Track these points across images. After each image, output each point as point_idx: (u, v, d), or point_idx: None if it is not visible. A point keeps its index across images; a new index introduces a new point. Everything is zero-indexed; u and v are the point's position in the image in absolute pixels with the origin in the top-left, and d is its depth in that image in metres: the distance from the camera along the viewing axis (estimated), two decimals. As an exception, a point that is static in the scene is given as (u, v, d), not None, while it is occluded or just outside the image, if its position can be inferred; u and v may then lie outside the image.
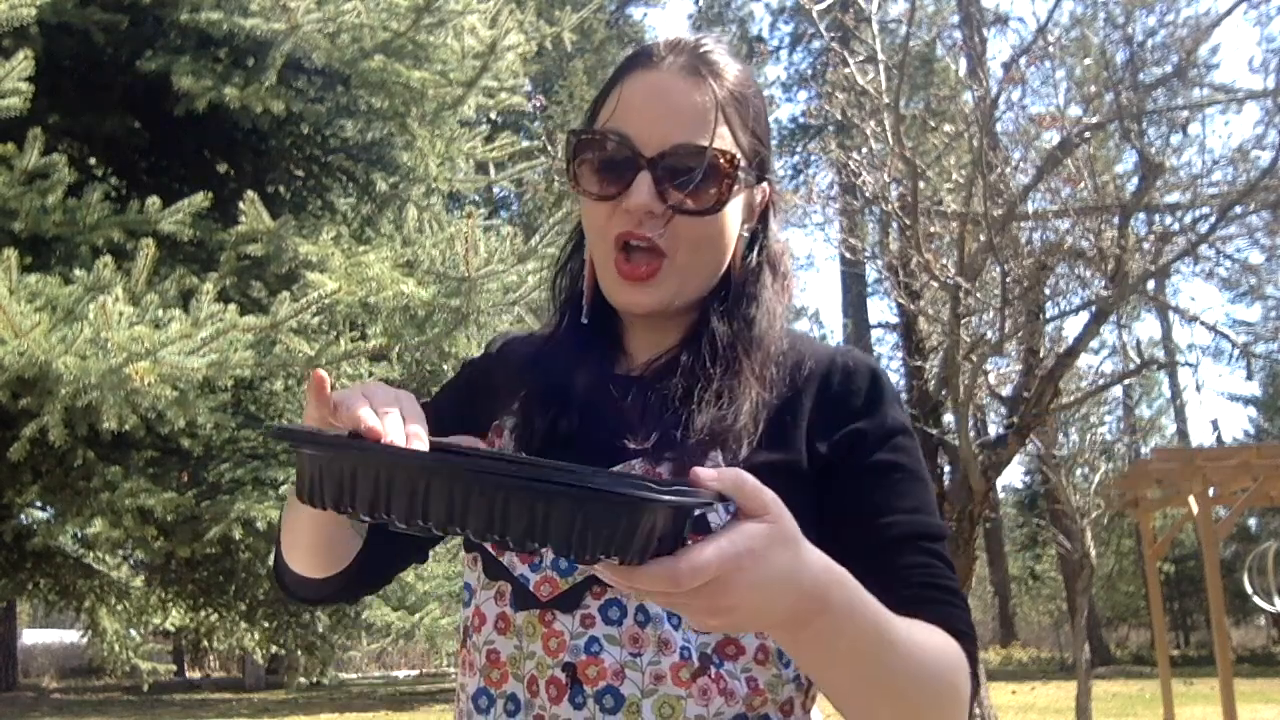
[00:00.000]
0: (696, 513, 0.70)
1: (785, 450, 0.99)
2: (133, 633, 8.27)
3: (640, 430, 0.99)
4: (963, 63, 9.29)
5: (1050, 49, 6.86)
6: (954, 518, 6.68)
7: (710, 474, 0.71)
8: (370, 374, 5.22)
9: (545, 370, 1.08)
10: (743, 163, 1.00)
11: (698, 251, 1.00)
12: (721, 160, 0.98)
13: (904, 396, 10.55)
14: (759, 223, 1.08)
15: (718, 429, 0.96)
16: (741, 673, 0.94)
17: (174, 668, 23.10)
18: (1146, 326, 23.33)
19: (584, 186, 1.02)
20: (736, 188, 1.00)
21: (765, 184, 1.07)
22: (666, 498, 0.65)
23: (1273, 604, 10.60)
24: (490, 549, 1.00)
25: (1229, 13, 7.09)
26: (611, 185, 0.99)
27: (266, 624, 7.18)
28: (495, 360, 1.17)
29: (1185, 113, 7.26)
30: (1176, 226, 6.97)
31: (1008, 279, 6.23)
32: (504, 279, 4.45)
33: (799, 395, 1.02)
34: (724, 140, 0.99)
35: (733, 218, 1.02)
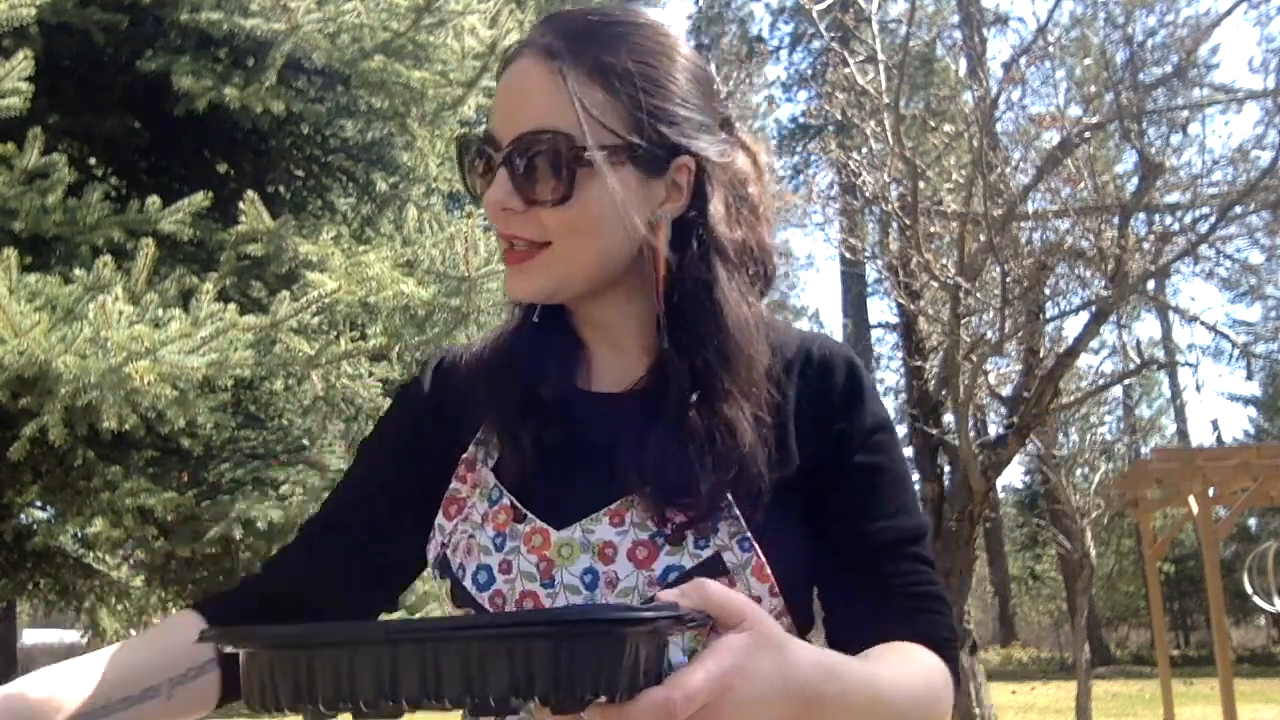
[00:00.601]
0: (695, 634, 0.67)
1: (786, 463, 0.93)
2: (133, 633, 8.28)
3: (640, 469, 0.91)
4: (963, 63, 9.29)
5: (1050, 49, 6.87)
6: (954, 518, 6.68)
7: (674, 593, 0.67)
8: (370, 373, 5.22)
9: (513, 380, 0.99)
10: (605, 140, 0.90)
11: (574, 239, 0.92)
12: (559, 145, 0.89)
13: (904, 396, 10.56)
14: (692, 202, 0.96)
15: (728, 474, 0.89)
16: None
17: (174, 668, 23.10)
18: (1146, 326, 23.36)
19: (471, 190, 0.98)
20: (582, 170, 0.90)
21: (686, 157, 0.95)
22: (652, 615, 0.61)
23: (1273, 604, 10.60)
24: (486, 605, 0.94)
25: (1229, 13, 7.09)
26: (484, 187, 0.94)
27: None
28: (440, 385, 1.06)
29: (1185, 113, 7.27)
30: (1176, 226, 6.98)
31: (1008, 279, 6.23)
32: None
33: (785, 397, 0.95)
34: (570, 122, 0.89)
35: (612, 202, 0.91)
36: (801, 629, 0.95)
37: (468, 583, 0.94)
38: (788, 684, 0.69)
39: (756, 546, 0.90)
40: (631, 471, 0.91)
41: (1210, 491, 8.60)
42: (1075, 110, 7.05)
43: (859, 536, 0.93)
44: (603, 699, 0.61)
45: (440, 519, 1.00)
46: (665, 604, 0.64)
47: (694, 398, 0.91)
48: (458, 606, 0.95)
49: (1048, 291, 6.96)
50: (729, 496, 0.90)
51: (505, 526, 0.95)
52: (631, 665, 0.61)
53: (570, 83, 0.90)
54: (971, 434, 6.81)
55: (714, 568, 0.89)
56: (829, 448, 0.95)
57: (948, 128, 7.84)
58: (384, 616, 1.07)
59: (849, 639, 0.91)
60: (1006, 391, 7.39)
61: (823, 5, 7.13)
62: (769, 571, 0.90)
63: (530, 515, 0.94)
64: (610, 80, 0.91)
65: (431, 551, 1.00)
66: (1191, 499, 8.38)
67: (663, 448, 0.90)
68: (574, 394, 0.99)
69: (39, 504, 5.51)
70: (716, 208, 0.96)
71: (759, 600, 0.89)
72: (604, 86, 0.91)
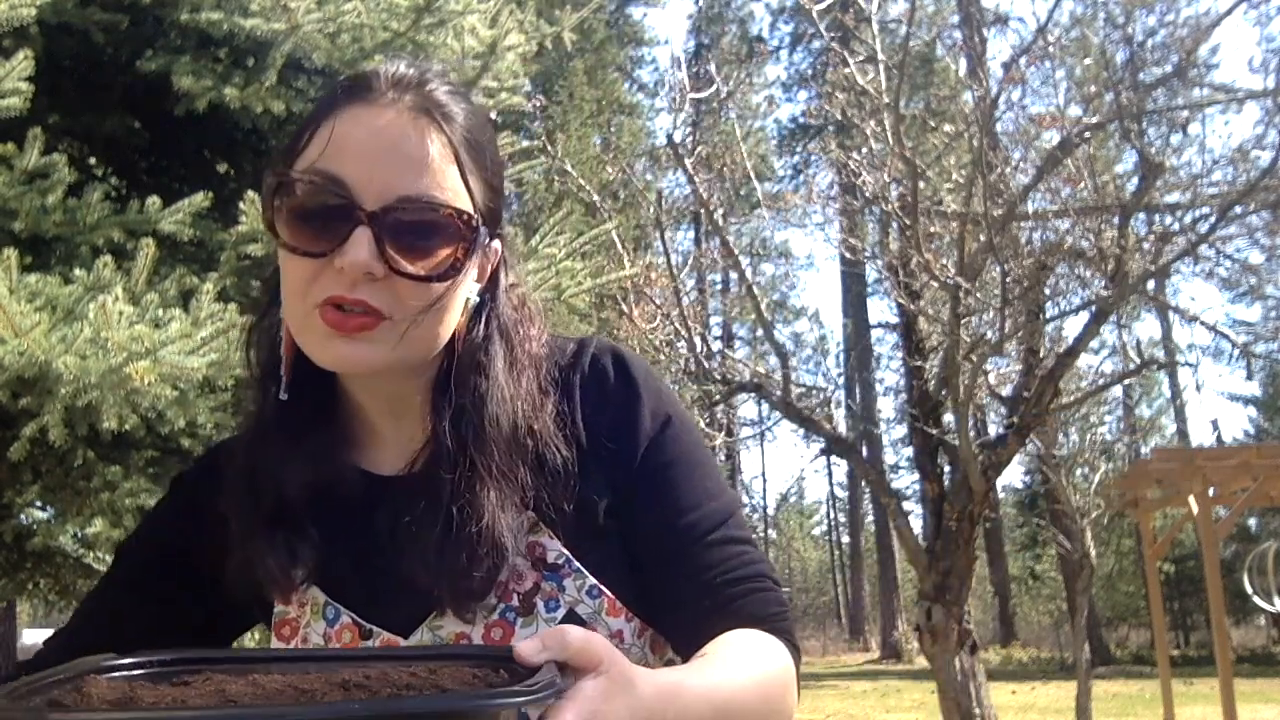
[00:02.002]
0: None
1: (598, 493, 0.92)
2: (133, 633, 8.27)
3: (394, 554, 0.88)
4: (963, 63, 9.29)
5: (1050, 49, 6.87)
6: (954, 518, 6.68)
7: (533, 646, 0.67)
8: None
9: (261, 479, 0.90)
10: (478, 222, 0.87)
11: (422, 319, 0.85)
12: (459, 221, 0.84)
13: (904, 396, 10.55)
14: (488, 285, 0.93)
15: (459, 563, 0.85)
16: None
17: (174, 668, 23.14)
18: (1146, 326, 23.38)
19: (285, 238, 0.84)
20: (473, 251, 0.86)
21: (497, 241, 0.93)
22: (503, 701, 0.60)
23: (1273, 604, 10.60)
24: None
25: (1229, 13, 7.09)
26: (321, 239, 0.83)
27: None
28: (212, 487, 0.96)
29: (1185, 113, 7.27)
30: (1176, 226, 6.98)
31: (1008, 279, 6.23)
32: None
33: (574, 423, 0.92)
34: (459, 196, 0.85)
35: (466, 283, 0.89)
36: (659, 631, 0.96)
37: None
38: (636, 718, 0.70)
39: (605, 590, 0.90)
40: (427, 580, 0.87)
41: (1210, 491, 8.60)
42: (1075, 110, 7.05)
43: (665, 538, 0.92)
44: None
45: (276, 642, 0.96)
46: (535, 681, 0.63)
47: (455, 487, 0.87)
48: None
49: (1048, 291, 6.96)
50: (562, 550, 0.90)
51: (354, 644, 0.92)
52: None
53: (460, 156, 0.86)
54: (971, 434, 6.81)
55: (571, 624, 0.88)
56: (618, 463, 0.93)
57: (948, 128, 7.84)
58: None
59: (682, 640, 0.92)
60: (1006, 391, 7.38)
61: (823, 5, 7.13)
62: (619, 605, 0.91)
63: (375, 629, 0.91)
64: (482, 156, 0.89)
65: None
66: (1191, 499, 8.38)
67: (443, 561, 0.86)
68: (352, 477, 0.94)
69: (39, 504, 5.51)
70: (505, 285, 0.95)
71: (620, 633, 0.90)
72: (477, 163, 0.88)
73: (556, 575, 0.90)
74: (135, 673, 0.66)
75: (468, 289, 0.90)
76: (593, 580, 0.91)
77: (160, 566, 1.00)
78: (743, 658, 0.86)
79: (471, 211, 0.86)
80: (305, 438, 0.91)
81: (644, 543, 0.93)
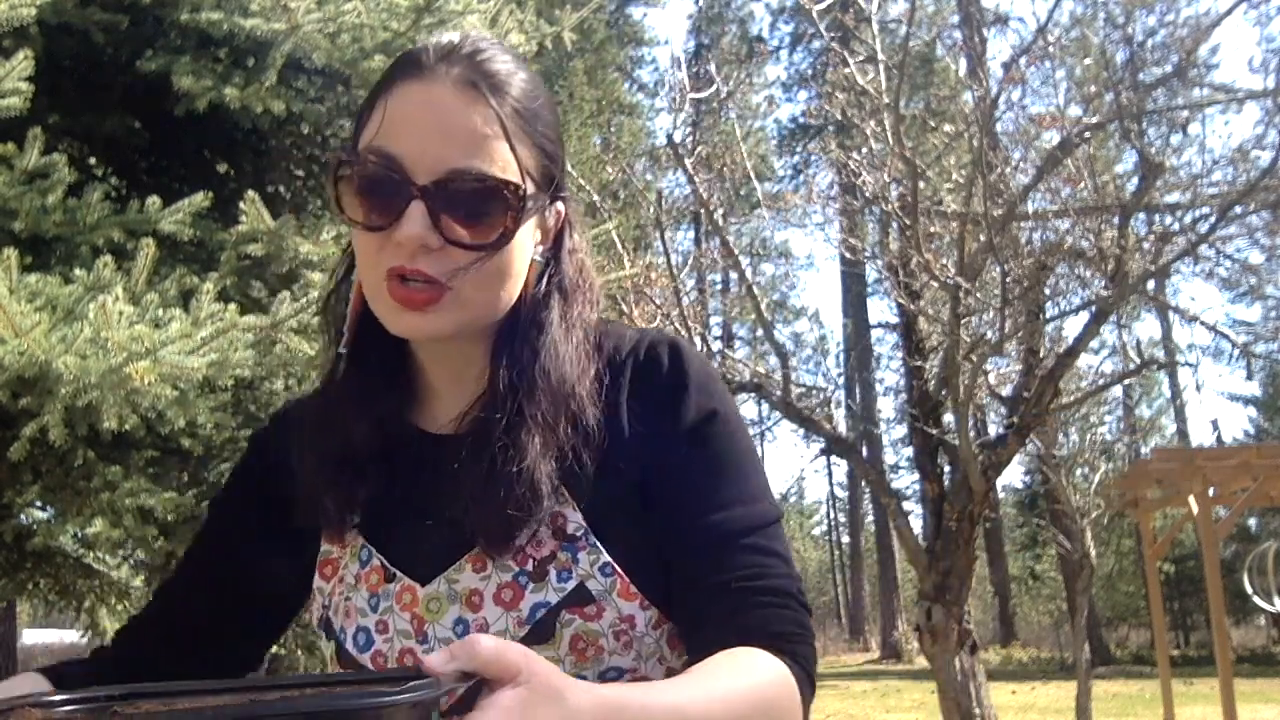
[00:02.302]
0: (446, 702, 0.64)
1: (625, 472, 0.92)
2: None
3: (459, 510, 0.91)
4: (963, 63, 9.29)
5: (1050, 49, 6.87)
6: (954, 518, 6.68)
7: (440, 658, 0.66)
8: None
9: (331, 431, 0.96)
10: (530, 190, 0.90)
11: (483, 286, 0.90)
12: (506, 191, 0.88)
13: (904, 396, 10.56)
14: (552, 246, 0.98)
15: (506, 504, 0.88)
16: None
17: (174, 668, 23.12)
18: (1146, 326, 23.40)
19: (349, 214, 0.90)
20: (523, 219, 0.90)
21: (559, 204, 0.97)
22: (373, 704, 0.58)
23: (1273, 604, 10.61)
24: (369, 665, 0.95)
25: (1229, 13, 7.09)
26: (380, 214, 0.88)
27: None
28: (286, 438, 1.03)
29: (1185, 113, 7.27)
30: (1176, 226, 6.98)
31: (1008, 279, 6.23)
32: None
33: (618, 405, 0.94)
34: (507, 167, 0.89)
35: (522, 247, 0.92)
36: None
37: (349, 645, 0.95)
38: None
39: (618, 569, 0.90)
40: (467, 524, 0.90)
41: (1210, 491, 8.61)
42: (1075, 110, 7.06)
43: (691, 532, 0.91)
44: None
45: (318, 580, 1.00)
46: (418, 684, 0.62)
47: (502, 432, 0.90)
48: (343, 666, 0.96)
49: (1048, 291, 6.96)
50: (582, 522, 0.90)
51: (378, 588, 0.95)
52: None
53: (508, 127, 0.89)
54: (971, 434, 6.81)
55: (581, 598, 0.89)
56: (657, 446, 0.93)
57: (948, 128, 7.84)
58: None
59: (689, 642, 0.91)
60: (1006, 391, 7.39)
61: (823, 5, 7.13)
62: (635, 589, 0.90)
63: (399, 574, 0.95)
64: (533, 124, 0.92)
65: (315, 613, 1.01)
66: (1191, 499, 8.38)
67: (482, 493, 0.90)
68: (409, 435, 0.98)
69: (39, 504, 5.51)
70: (569, 248, 0.99)
71: (632, 618, 0.89)
72: (526, 131, 0.91)
73: (573, 546, 0.90)
74: (69, 708, 0.66)
75: (526, 253, 0.94)
76: (607, 558, 0.90)
77: (244, 518, 1.05)
78: (734, 680, 0.82)
79: (519, 181, 0.89)
80: (374, 396, 0.96)
81: (669, 534, 0.91)
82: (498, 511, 0.89)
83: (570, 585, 0.89)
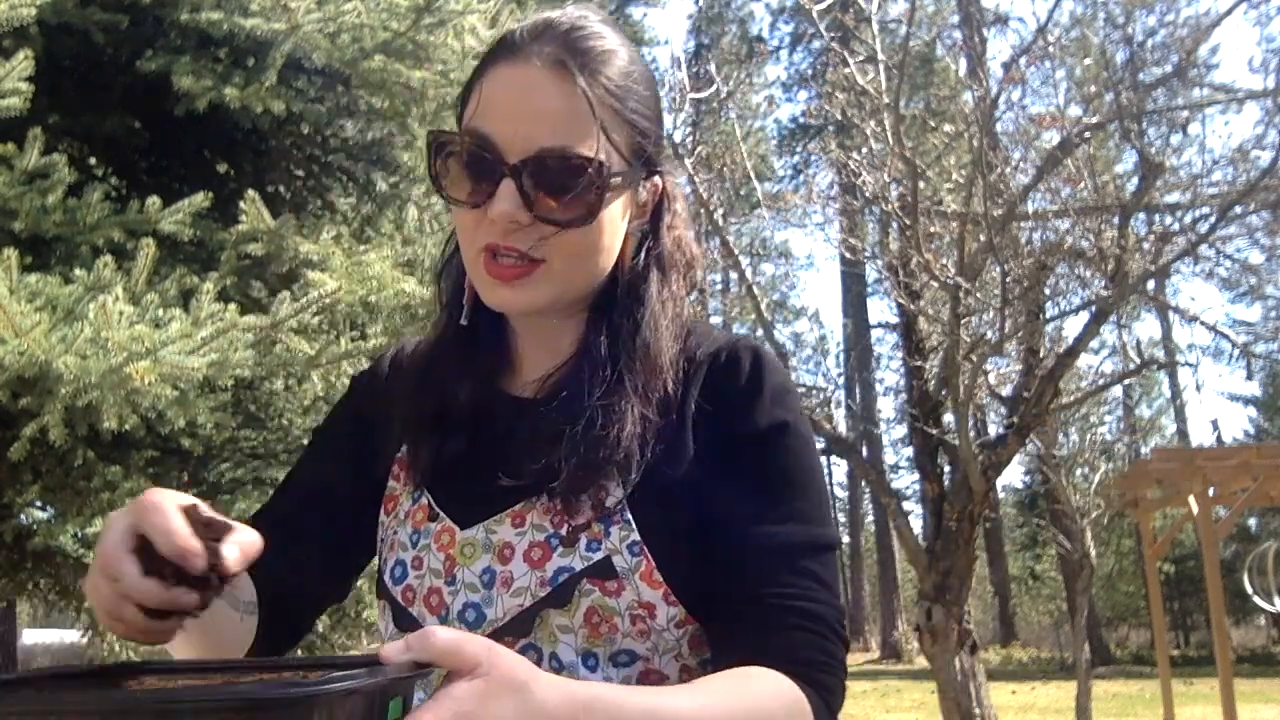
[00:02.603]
0: (400, 693, 0.65)
1: (680, 463, 0.93)
2: (133, 633, 8.25)
3: (527, 464, 0.92)
4: (963, 63, 9.30)
5: (1050, 49, 6.87)
6: (954, 518, 6.69)
7: (396, 647, 0.66)
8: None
9: (430, 387, 1.01)
10: (617, 166, 0.92)
11: (574, 260, 0.93)
12: (591, 169, 0.90)
13: (904, 396, 10.56)
14: (650, 220, 1.00)
15: (595, 460, 0.90)
16: None
17: (174, 668, 23.13)
18: (1146, 326, 23.40)
19: (447, 192, 0.95)
20: (609, 195, 0.92)
21: (656, 178, 1.00)
22: (313, 691, 0.58)
23: (1273, 604, 10.61)
24: (399, 599, 0.97)
25: (1229, 13, 7.09)
26: (475, 192, 0.92)
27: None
28: (387, 379, 1.09)
29: (1185, 113, 7.27)
30: (1176, 226, 6.98)
31: (1008, 279, 6.23)
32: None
33: (686, 396, 0.95)
34: (593, 145, 0.91)
35: (612, 221, 0.95)
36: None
37: (387, 576, 0.98)
38: None
39: (647, 551, 0.89)
40: (524, 471, 0.92)
41: (1210, 491, 8.61)
42: (1075, 110, 7.06)
43: (743, 540, 0.90)
44: None
45: (381, 514, 1.04)
46: (352, 673, 0.62)
47: (596, 395, 0.93)
48: (380, 598, 0.99)
49: (1048, 291, 6.96)
50: (622, 499, 0.91)
51: (421, 524, 0.98)
52: None
53: (595, 107, 0.91)
54: (971, 434, 6.81)
55: (604, 571, 0.89)
56: (721, 447, 0.93)
57: (948, 128, 7.84)
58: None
59: (716, 650, 0.90)
60: (1006, 391, 7.38)
61: (823, 5, 7.13)
62: (659, 577, 0.89)
63: (441, 514, 0.97)
64: (624, 100, 0.94)
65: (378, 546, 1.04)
66: (1191, 499, 8.38)
67: (545, 445, 0.92)
68: (495, 398, 1.01)
69: (39, 504, 5.51)
70: (668, 222, 1.01)
71: (652, 607, 0.89)
72: (615, 111, 0.93)
73: (608, 520, 0.91)
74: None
75: (618, 227, 0.96)
76: (638, 537, 0.90)
77: (338, 449, 1.10)
78: (730, 697, 0.80)
79: (605, 158, 0.91)
80: (475, 361, 1.01)
81: (719, 538, 0.90)
82: (589, 473, 0.90)
83: (597, 556, 0.90)
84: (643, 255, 0.99)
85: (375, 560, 1.05)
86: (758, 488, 0.91)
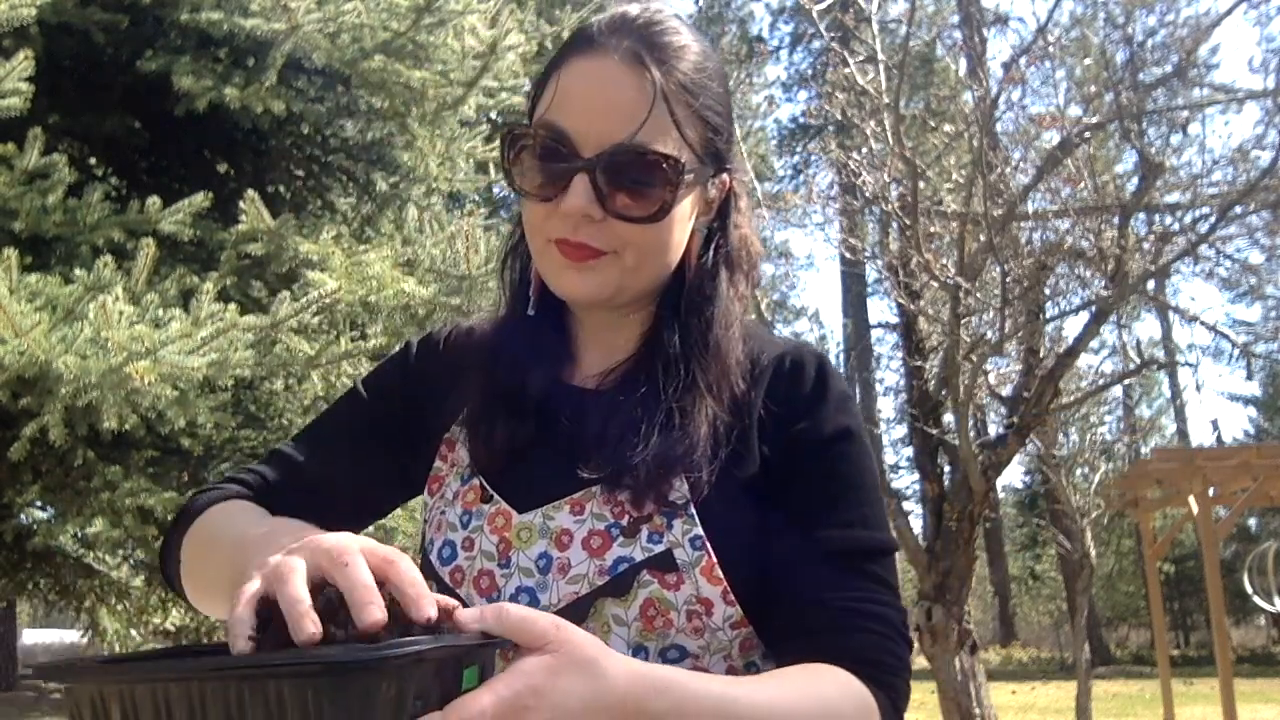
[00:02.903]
0: (469, 664, 0.65)
1: (746, 464, 0.93)
2: (133, 633, 8.28)
3: (596, 454, 0.93)
4: (963, 63, 9.29)
5: (1050, 49, 6.86)
6: (954, 518, 6.68)
7: (471, 615, 0.67)
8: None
9: (495, 373, 1.01)
10: (690, 163, 0.93)
11: (644, 255, 0.94)
12: (665, 165, 0.90)
13: (904, 396, 10.56)
14: (717, 216, 1.01)
15: (670, 456, 0.90)
16: None
17: (174, 668, 23.12)
18: (1146, 326, 23.38)
19: (520, 185, 0.95)
20: (682, 191, 0.93)
21: (724, 175, 0.99)
22: (383, 654, 0.60)
23: (1273, 604, 10.61)
24: (446, 579, 0.97)
25: (1229, 13, 7.08)
26: (549, 186, 0.92)
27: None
28: (443, 356, 1.09)
29: (1185, 113, 7.26)
30: (1176, 226, 6.97)
31: (1008, 279, 6.23)
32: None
33: (752, 398, 0.96)
34: (668, 141, 0.91)
35: (681, 218, 0.95)
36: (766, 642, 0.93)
37: (434, 556, 0.98)
38: (598, 701, 0.67)
39: (709, 547, 0.89)
40: (593, 461, 0.92)
41: (1210, 491, 8.60)
42: (1075, 110, 7.05)
43: (806, 544, 0.90)
44: None
45: (425, 495, 1.04)
46: (420, 639, 0.63)
47: (670, 391, 0.93)
48: (427, 578, 0.97)
49: (1048, 291, 6.95)
50: (686, 493, 0.91)
51: (473, 505, 0.98)
52: (393, 697, 0.60)
53: (670, 103, 0.91)
54: (971, 434, 6.80)
55: (664, 563, 0.89)
56: (786, 450, 0.94)
57: (948, 128, 7.83)
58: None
59: (782, 650, 0.89)
60: (1006, 391, 7.38)
61: (823, 5, 7.12)
62: (720, 574, 0.89)
63: (496, 496, 0.97)
64: (697, 96, 0.94)
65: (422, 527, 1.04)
66: (1191, 499, 8.38)
67: (616, 437, 0.93)
68: (556, 387, 1.01)
69: (39, 504, 5.51)
70: (735, 220, 1.02)
71: (710, 604, 0.88)
72: (689, 107, 0.93)
73: (671, 512, 0.90)
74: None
75: (686, 223, 0.96)
76: (700, 532, 0.89)
77: (379, 408, 1.08)
78: (803, 692, 0.80)
79: (678, 154, 0.91)
80: (544, 352, 1.01)
81: (785, 540, 0.91)
82: (666, 469, 0.90)
83: (658, 548, 0.89)
84: (711, 252, 0.99)
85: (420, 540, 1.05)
86: (823, 492, 0.93)
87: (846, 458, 0.94)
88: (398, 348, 1.15)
